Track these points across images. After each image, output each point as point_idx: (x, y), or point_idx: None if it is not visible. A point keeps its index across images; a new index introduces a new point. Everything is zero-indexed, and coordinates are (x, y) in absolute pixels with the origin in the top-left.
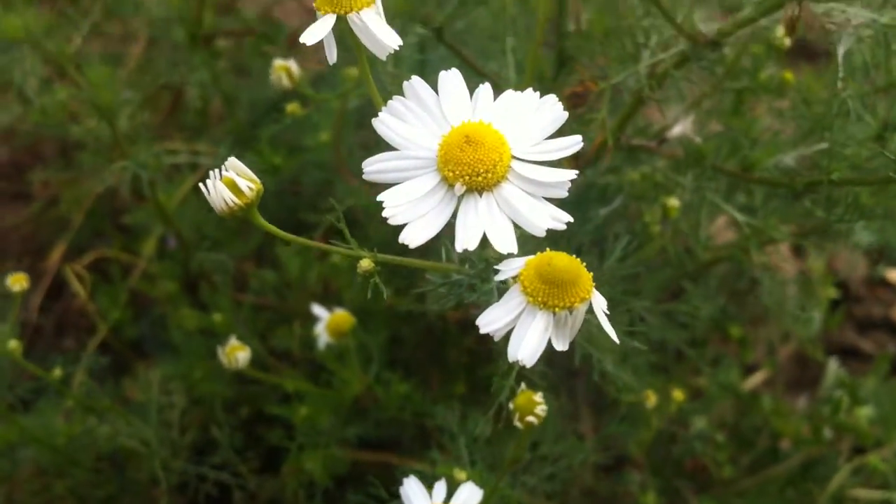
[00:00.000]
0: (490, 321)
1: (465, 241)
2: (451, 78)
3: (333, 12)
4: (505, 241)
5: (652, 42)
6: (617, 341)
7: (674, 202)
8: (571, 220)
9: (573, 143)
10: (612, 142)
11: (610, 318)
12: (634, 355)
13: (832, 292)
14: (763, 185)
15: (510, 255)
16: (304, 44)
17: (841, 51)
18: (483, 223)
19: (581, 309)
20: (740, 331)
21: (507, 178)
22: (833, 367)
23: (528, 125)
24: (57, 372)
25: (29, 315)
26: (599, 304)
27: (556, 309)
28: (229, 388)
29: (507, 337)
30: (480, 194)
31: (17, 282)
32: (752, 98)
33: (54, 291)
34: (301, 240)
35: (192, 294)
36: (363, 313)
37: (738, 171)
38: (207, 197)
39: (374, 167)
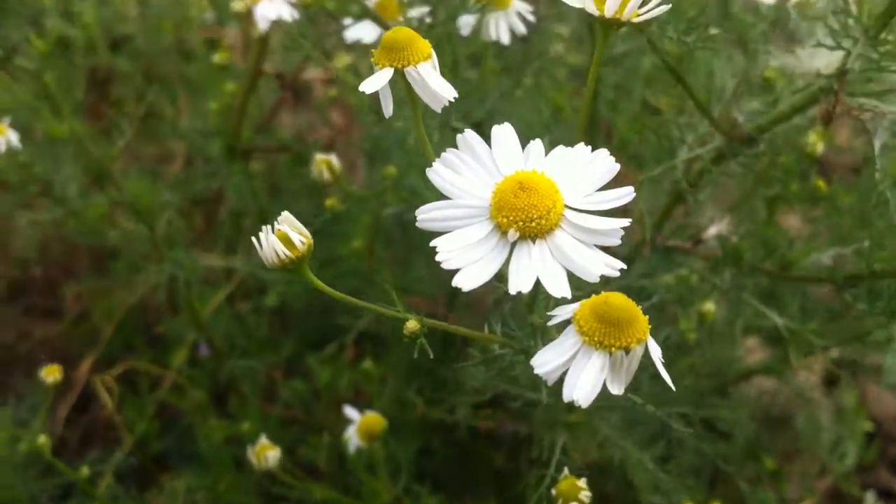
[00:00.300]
0: (543, 362)
1: (519, 284)
2: (504, 131)
3: (391, 66)
4: (558, 285)
5: (688, 139)
6: (673, 387)
7: (710, 306)
8: (625, 267)
9: (626, 194)
10: (650, 240)
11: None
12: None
13: (867, 425)
14: (802, 281)
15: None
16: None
17: (878, 143)
18: (536, 268)
19: (638, 351)
20: (774, 463)
21: (560, 226)
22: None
23: (581, 176)
24: (84, 471)
25: (55, 426)
26: (655, 351)
27: (613, 349)
28: (255, 499)
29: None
30: (533, 241)
31: (51, 373)
32: (786, 206)
33: (81, 404)
34: (350, 298)
35: (221, 406)
36: (394, 423)
37: (776, 270)
38: (259, 251)
39: (427, 215)
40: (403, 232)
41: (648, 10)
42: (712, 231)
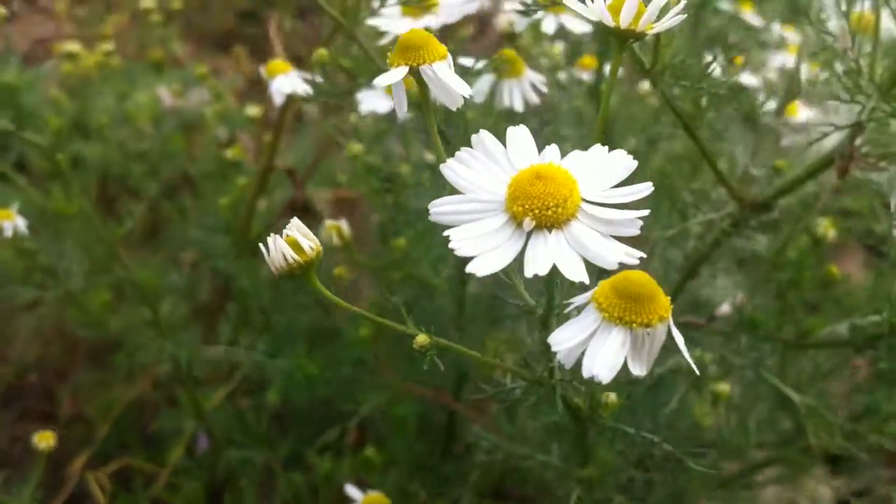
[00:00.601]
0: (561, 339)
1: (535, 268)
2: (520, 132)
3: (406, 65)
4: (575, 270)
5: (702, 206)
6: (696, 370)
7: (724, 387)
8: (644, 255)
9: (644, 188)
10: None
11: None
12: None
13: None
14: (820, 348)
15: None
16: None
17: (893, 202)
18: (552, 254)
19: (660, 330)
20: None
21: (576, 217)
22: None
23: (598, 174)
24: None
25: None
26: (678, 336)
27: (634, 325)
28: None
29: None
30: (549, 231)
31: (44, 439)
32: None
33: (73, 502)
34: (359, 311)
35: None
36: None
37: (793, 338)
38: (267, 257)
39: (440, 209)
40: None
41: (663, 23)
42: (726, 307)
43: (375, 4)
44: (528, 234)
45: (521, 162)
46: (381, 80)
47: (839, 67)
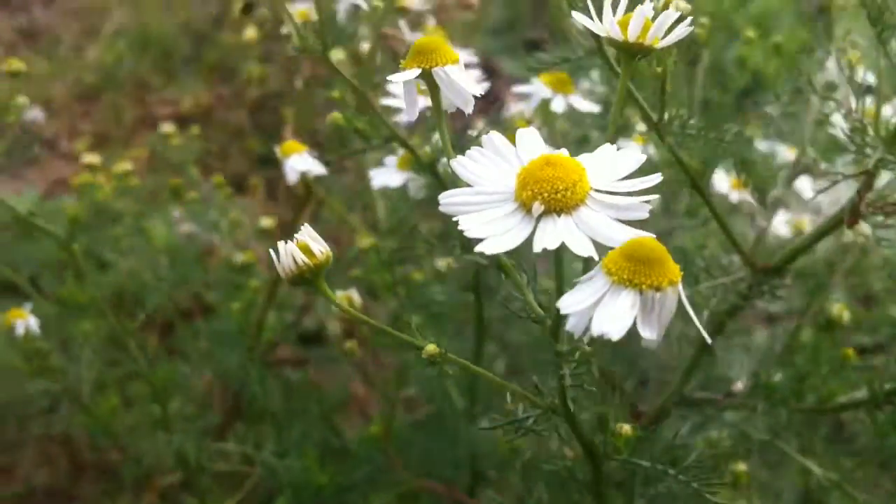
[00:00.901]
0: (570, 303)
1: (544, 244)
2: (529, 133)
3: (420, 67)
4: (584, 247)
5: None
6: (708, 339)
7: (742, 467)
8: (654, 237)
9: (653, 178)
10: (678, 394)
11: None
12: None
13: None
14: (839, 412)
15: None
16: None
17: None
18: (561, 234)
19: (670, 295)
20: None
21: (585, 203)
22: None
23: (607, 167)
24: None
25: None
26: (687, 304)
27: (643, 287)
28: None
29: None
30: (559, 215)
31: None
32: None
33: None
34: (374, 322)
35: None
36: None
37: (813, 406)
38: (276, 263)
39: (450, 199)
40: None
41: (670, 37)
42: (741, 384)
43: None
44: (538, 220)
45: (530, 158)
46: (395, 77)
47: (845, 126)
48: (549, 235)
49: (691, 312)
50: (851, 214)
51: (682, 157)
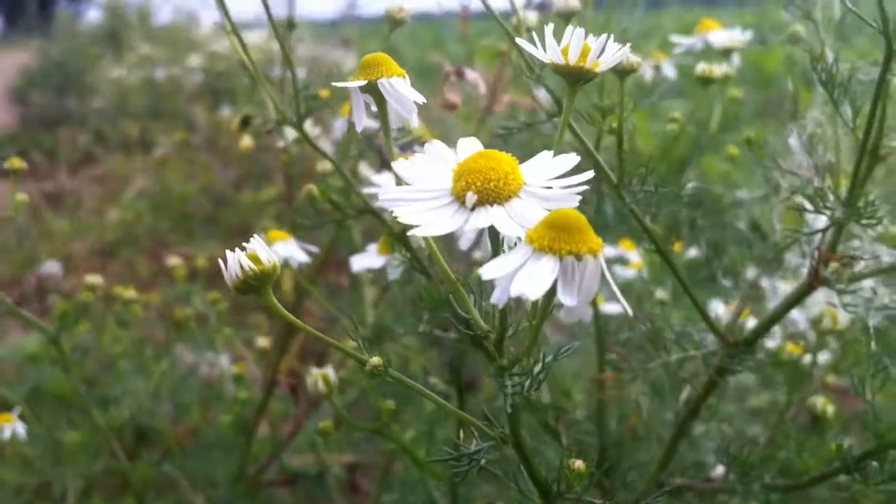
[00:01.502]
0: (491, 269)
1: (475, 224)
2: (470, 142)
3: (366, 79)
4: (513, 228)
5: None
6: (629, 310)
7: None
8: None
9: (586, 175)
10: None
11: None
12: None
13: None
14: (815, 485)
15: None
16: None
17: (871, 323)
18: (491, 219)
19: (590, 262)
20: None
21: (518, 196)
22: None
23: (541, 168)
24: None
25: None
26: (610, 279)
27: (562, 252)
28: None
29: None
30: (492, 205)
31: None
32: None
33: None
34: (323, 335)
35: None
36: None
37: (790, 483)
38: (224, 271)
39: (389, 195)
40: None
41: (608, 60)
42: (721, 469)
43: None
44: (472, 210)
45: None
46: (340, 85)
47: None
48: (481, 220)
49: (615, 289)
50: (813, 272)
51: (646, 223)
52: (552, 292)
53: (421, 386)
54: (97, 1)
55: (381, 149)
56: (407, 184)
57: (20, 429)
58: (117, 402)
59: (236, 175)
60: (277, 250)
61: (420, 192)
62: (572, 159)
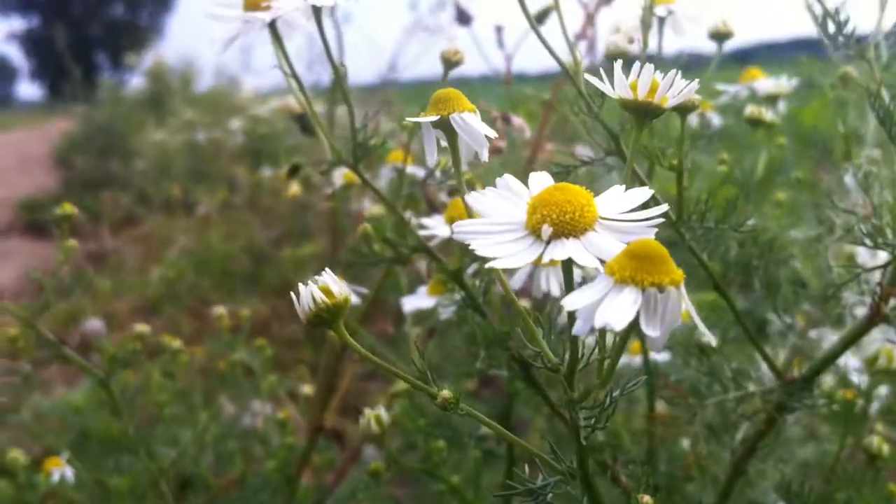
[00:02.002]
0: (573, 301)
1: (551, 256)
2: (542, 176)
3: (438, 114)
4: (590, 261)
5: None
6: (712, 339)
7: None
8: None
9: (659, 209)
10: None
11: None
12: None
13: None
14: None
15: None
16: None
17: None
18: (568, 252)
19: (672, 293)
20: None
21: (593, 229)
22: None
23: (615, 202)
24: None
25: None
26: (690, 305)
27: (645, 283)
28: None
29: None
30: (567, 238)
31: None
32: None
33: None
34: (393, 368)
35: None
36: None
37: None
38: (297, 305)
39: (464, 227)
40: None
41: (679, 93)
42: None
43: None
44: (547, 243)
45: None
46: (414, 120)
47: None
48: (557, 253)
49: (696, 318)
50: (875, 308)
51: (704, 260)
52: (634, 323)
53: (481, 415)
54: (141, 68)
55: (428, 194)
56: (481, 216)
57: (68, 473)
58: (162, 449)
59: (277, 234)
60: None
61: (494, 224)
62: (644, 193)
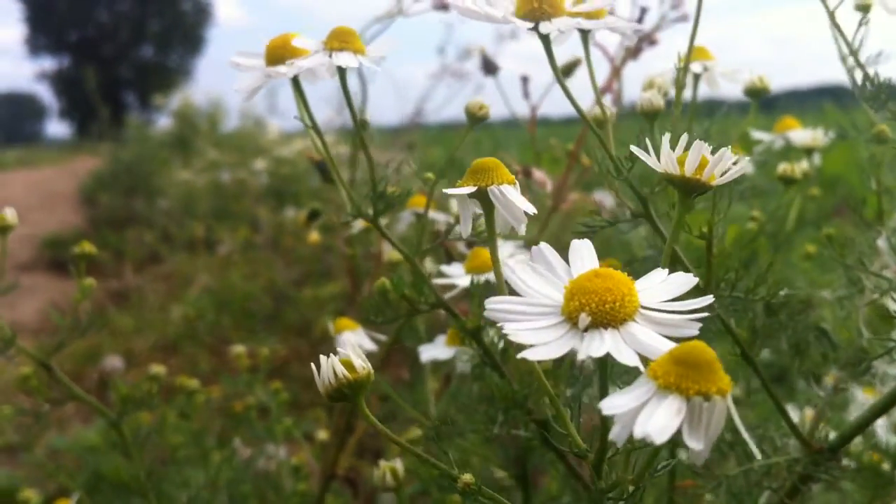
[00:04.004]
0: (613, 405)
1: (588, 352)
2: (584, 246)
3: (476, 185)
4: (630, 357)
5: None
6: (757, 454)
7: None
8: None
9: (704, 300)
10: None
11: None
12: None
13: None
14: None
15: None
16: None
17: None
18: (607, 345)
19: (719, 404)
20: None
21: (634, 319)
22: None
23: (657, 288)
24: None
25: None
26: (737, 417)
27: (690, 392)
28: None
29: None
30: (606, 328)
31: None
32: None
33: None
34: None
35: None
36: None
37: None
38: (317, 377)
39: (497, 306)
40: None
41: (728, 173)
42: None
43: None
44: (584, 332)
45: (579, 271)
46: (451, 191)
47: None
48: (595, 346)
49: (741, 428)
50: None
51: (731, 326)
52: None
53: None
54: (168, 108)
55: (447, 245)
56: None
57: None
58: (175, 491)
59: (298, 274)
60: (346, 339)
61: (529, 305)
62: (689, 280)
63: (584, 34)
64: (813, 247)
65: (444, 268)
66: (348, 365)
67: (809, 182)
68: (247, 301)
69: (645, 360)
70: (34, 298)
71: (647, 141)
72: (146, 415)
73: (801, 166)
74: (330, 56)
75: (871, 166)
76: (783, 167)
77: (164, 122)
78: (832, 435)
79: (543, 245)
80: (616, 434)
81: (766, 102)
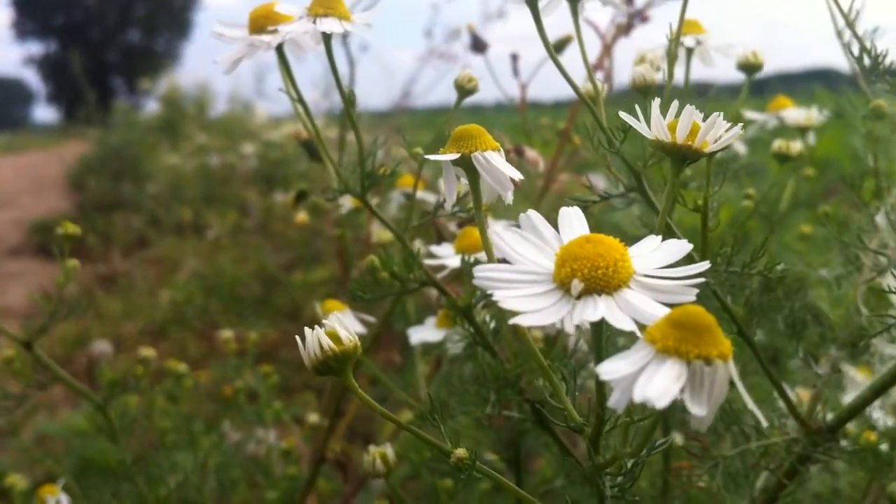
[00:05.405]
0: (611, 369)
1: (582, 317)
2: (573, 212)
3: (459, 152)
4: (624, 322)
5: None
6: (764, 421)
7: None
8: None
9: (701, 266)
10: None
11: None
12: None
13: None
14: None
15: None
16: None
17: None
18: (600, 311)
19: (720, 369)
20: None
21: (628, 286)
22: None
23: (651, 255)
24: None
25: None
26: (739, 384)
27: (690, 355)
28: None
29: None
30: (599, 295)
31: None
32: None
33: None
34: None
35: None
36: None
37: None
38: (302, 349)
39: (485, 274)
40: None
41: (721, 139)
42: None
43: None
44: (577, 299)
45: (569, 238)
46: (433, 157)
47: None
48: (588, 312)
49: (745, 396)
50: None
51: (728, 305)
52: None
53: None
54: (156, 93)
55: (437, 224)
56: (505, 261)
57: (64, 501)
58: (163, 475)
59: (288, 259)
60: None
61: (520, 273)
62: (683, 247)
63: (574, 6)
64: (808, 227)
65: (434, 248)
66: (334, 337)
67: (804, 162)
68: (236, 285)
69: (642, 328)
70: (22, 283)
71: (638, 109)
72: (134, 399)
73: (796, 145)
74: (314, 22)
75: (868, 142)
76: (778, 144)
77: (151, 107)
78: (829, 415)
79: (531, 212)
80: (615, 400)
81: (756, 85)
